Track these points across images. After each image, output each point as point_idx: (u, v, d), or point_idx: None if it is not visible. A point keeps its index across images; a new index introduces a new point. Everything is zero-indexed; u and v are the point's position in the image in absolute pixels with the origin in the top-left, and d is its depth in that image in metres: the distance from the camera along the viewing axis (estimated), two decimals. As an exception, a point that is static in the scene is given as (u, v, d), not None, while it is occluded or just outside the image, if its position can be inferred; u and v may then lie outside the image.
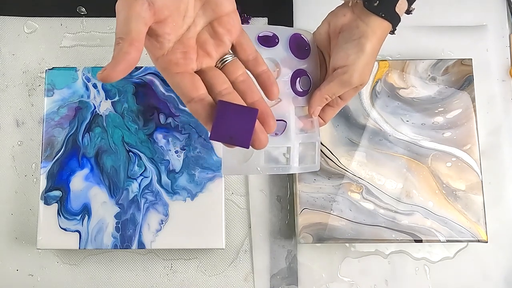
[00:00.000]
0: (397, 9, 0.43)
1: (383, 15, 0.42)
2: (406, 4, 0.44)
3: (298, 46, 0.48)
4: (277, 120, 0.46)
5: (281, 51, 0.47)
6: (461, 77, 0.61)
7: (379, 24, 0.43)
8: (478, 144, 0.59)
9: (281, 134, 0.46)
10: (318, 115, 0.48)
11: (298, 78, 0.47)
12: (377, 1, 0.42)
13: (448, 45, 0.66)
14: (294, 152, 0.47)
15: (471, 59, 0.61)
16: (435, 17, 0.67)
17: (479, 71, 0.63)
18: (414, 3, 0.44)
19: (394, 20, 0.43)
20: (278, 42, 0.47)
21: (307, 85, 0.48)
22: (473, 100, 0.60)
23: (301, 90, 0.48)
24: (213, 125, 0.36)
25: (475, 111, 0.60)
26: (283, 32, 0.47)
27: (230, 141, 0.37)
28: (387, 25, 0.43)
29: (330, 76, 0.46)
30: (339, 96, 0.47)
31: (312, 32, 0.49)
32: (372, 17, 0.43)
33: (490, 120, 0.64)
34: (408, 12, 0.45)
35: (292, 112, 0.47)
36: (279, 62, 0.47)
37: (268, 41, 0.47)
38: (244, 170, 0.49)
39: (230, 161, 0.46)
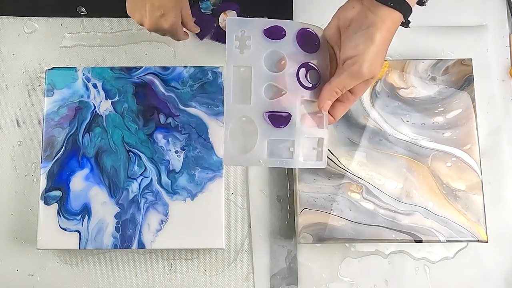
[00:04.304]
0: None
1: (392, 4, 0.41)
2: None
3: (307, 40, 0.47)
4: (281, 112, 0.46)
5: (287, 44, 0.47)
6: (461, 77, 0.61)
7: (388, 14, 0.42)
8: (478, 144, 0.59)
9: (286, 127, 0.45)
10: (328, 112, 0.47)
11: (306, 72, 0.47)
12: None
13: (448, 45, 0.66)
14: (298, 146, 0.46)
15: (471, 59, 0.61)
16: (435, 17, 0.67)
17: (479, 71, 0.63)
18: None
19: (404, 10, 0.42)
20: (285, 35, 0.47)
21: (316, 79, 0.47)
22: (473, 100, 0.60)
23: (310, 85, 0.47)
24: None
25: (475, 111, 0.60)
26: (291, 26, 0.47)
27: None
28: (397, 16, 0.42)
29: (340, 68, 0.45)
30: (349, 91, 0.46)
31: (322, 28, 0.48)
32: (381, 7, 0.42)
33: (490, 120, 0.64)
34: (422, 3, 0.44)
35: (297, 104, 0.46)
36: (285, 55, 0.46)
37: (274, 33, 0.46)
38: (246, 161, 0.47)
39: (232, 151, 0.45)
